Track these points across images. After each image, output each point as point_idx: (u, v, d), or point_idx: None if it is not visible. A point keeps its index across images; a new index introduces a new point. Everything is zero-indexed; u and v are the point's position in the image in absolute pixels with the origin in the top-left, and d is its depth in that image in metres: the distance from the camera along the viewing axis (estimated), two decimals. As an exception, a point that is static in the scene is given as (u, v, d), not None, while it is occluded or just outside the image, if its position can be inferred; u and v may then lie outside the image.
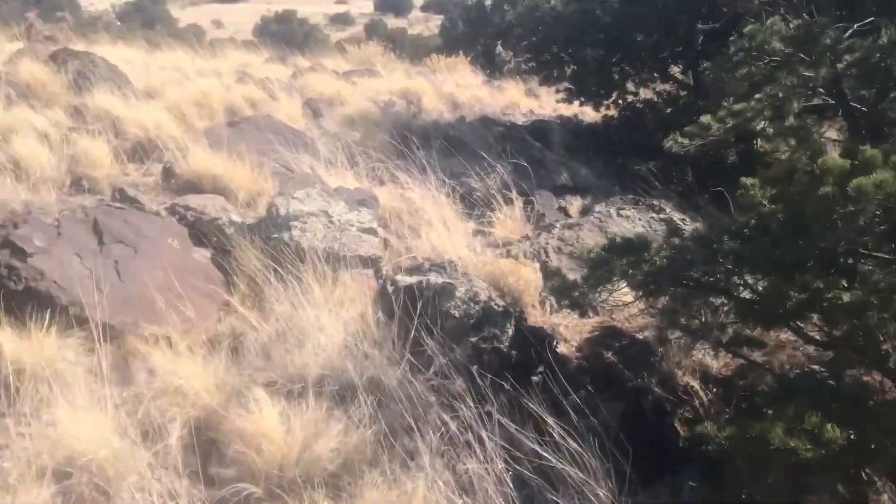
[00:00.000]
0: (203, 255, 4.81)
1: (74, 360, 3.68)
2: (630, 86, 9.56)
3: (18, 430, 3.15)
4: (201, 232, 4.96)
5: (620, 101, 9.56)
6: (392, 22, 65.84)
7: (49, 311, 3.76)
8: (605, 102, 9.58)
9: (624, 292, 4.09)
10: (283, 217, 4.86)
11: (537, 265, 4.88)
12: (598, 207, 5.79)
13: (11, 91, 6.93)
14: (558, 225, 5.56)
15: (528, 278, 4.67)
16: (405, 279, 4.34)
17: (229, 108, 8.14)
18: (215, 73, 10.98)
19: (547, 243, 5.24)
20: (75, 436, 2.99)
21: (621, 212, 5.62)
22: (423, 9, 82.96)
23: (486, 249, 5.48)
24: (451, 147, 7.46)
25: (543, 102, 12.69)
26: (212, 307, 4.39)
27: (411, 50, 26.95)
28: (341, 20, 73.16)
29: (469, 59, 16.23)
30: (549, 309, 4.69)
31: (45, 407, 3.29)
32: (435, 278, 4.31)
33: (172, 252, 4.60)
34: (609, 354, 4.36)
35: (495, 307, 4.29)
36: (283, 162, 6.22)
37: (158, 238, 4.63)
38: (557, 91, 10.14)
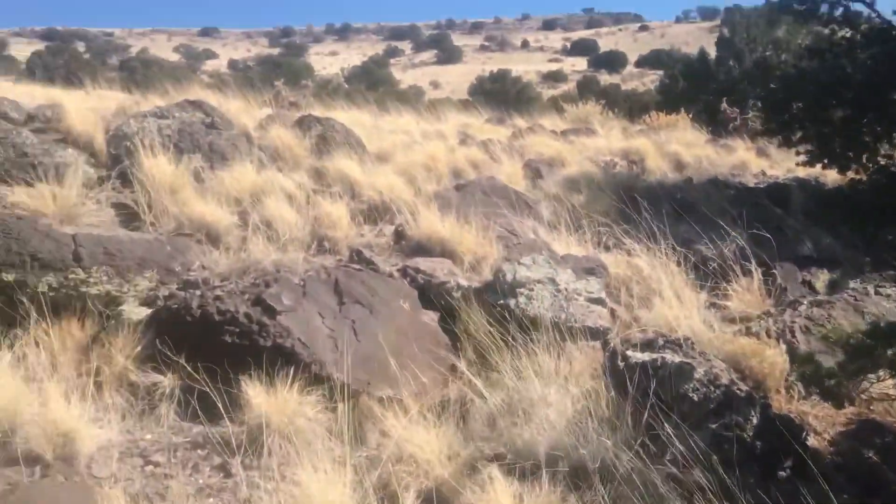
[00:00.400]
0: (431, 317, 4.89)
1: (313, 418, 3.82)
2: (883, 148, 8.69)
3: (266, 485, 3.30)
4: (430, 294, 5.06)
5: (871, 164, 8.72)
6: (605, 78, 66.00)
7: (293, 367, 3.96)
8: (853, 165, 8.77)
9: (888, 384, 3.64)
10: (509, 283, 4.84)
11: (782, 346, 4.49)
12: (851, 284, 5.24)
13: (263, 155, 7.59)
14: (805, 302, 5.09)
15: (772, 361, 4.30)
16: (637, 355, 4.13)
17: (454, 170, 8.40)
18: (439, 134, 11.44)
19: (793, 322, 4.80)
20: (318, 497, 3.07)
21: (880, 290, 5.06)
22: (638, 64, 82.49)
23: (721, 324, 5.13)
24: (679, 211, 7.16)
25: (775, 162, 11.96)
26: (440, 371, 4.43)
27: (626, 106, 26.71)
28: (554, 77, 74.51)
29: (690, 116, 15.74)
30: (795, 395, 4.28)
31: (287, 465, 3.43)
32: (671, 357, 4.06)
33: (404, 314, 4.72)
34: (870, 452, 3.88)
35: (738, 392, 3.95)
36: (508, 225, 6.26)
37: (391, 299, 4.78)
38: (797, 153, 9.45)
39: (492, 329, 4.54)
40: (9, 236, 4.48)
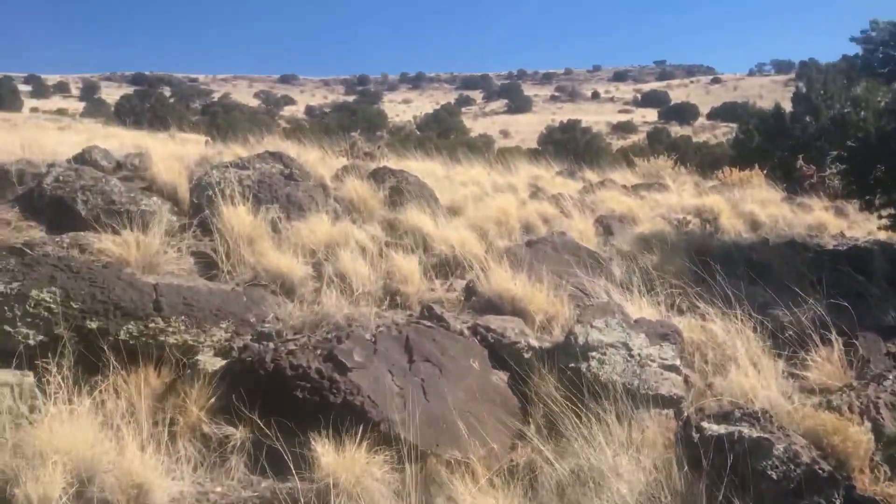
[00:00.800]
0: (501, 377, 4.86)
1: (381, 478, 3.80)
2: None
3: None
4: (500, 354, 5.03)
5: (958, 232, 8.40)
6: (676, 130, 65.44)
7: (362, 425, 3.96)
8: (941, 230, 8.45)
9: None
10: (581, 346, 4.78)
11: (866, 423, 4.29)
12: (942, 359, 5.00)
13: (338, 206, 7.75)
14: (890, 376, 4.86)
15: (856, 439, 4.10)
16: (713, 428, 4.00)
17: (525, 225, 8.40)
18: (510, 187, 11.50)
19: (877, 398, 4.59)
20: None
21: (974, 367, 4.80)
22: (710, 116, 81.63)
23: (800, 396, 4.94)
24: (754, 274, 6.98)
25: (854, 222, 11.60)
26: (509, 434, 4.37)
27: (696, 158, 26.38)
28: (624, 128, 74.26)
29: (765, 172, 15.44)
30: (881, 476, 4.07)
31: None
32: (748, 430, 3.92)
33: (473, 374, 4.70)
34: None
35: (819, 471, 3.78)
36: (579, 284, 6.20)
37: (461, 358, 4.76)
38: (879, 216, 9.14)
39: (562, 393, 4.48)
40: (94, 284, 4.65)
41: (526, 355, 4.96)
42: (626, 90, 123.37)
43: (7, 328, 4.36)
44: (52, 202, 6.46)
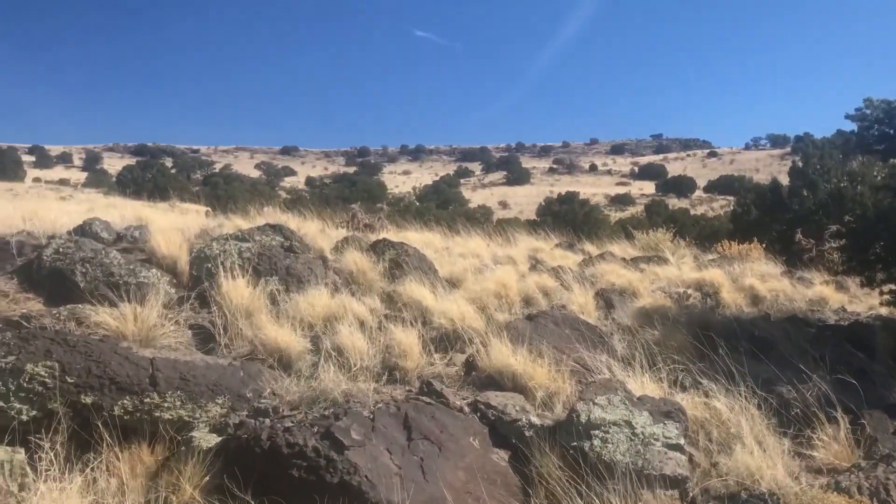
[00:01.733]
0: (502, 456, 4.75)
1: (377, 564, 3.68)
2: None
3: None
4: (501, 431, 4.94)
5: (960, 307, 8.37)
6: (673, 202, 66.13)
7: (358, 506, 3.86)
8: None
9: None
10: (584, 424, 4.69)
11: (876, 505, 4.18)
12: (951, 439, 4.90)
13: (337, 278, 7.73)
14: (899, 456, 4.76)
15: (867, 523, 3.99)
16: (720, 511, 3.90)
17: (525, 298, 8.36)
18: (509, 259, 11.50)
19: (887, 479, 4.49)
20: None
21: (983, 447, 4.70)
22: (706, 189, 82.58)
23: (807, 476, 4.83)
24: (757, 350, 6.92)
25: (854, 296, 11.56)
26: (509, 517, 4.25)
27: (694, 231, 26.55)
28: (621, 200, 75.07)
29: (764, 245, 15.51)
30: (894, 562, 3.95)
31: None
32: (756, 515, 3.82)
33: (473, 452, 4.59)
34: None
35: (831, 558, 3.67)
36: (580, 359, 6.13)
37: (461, 436, 4.67)
38: (881, 293, 9.11)
39: (564, 472, 4.38)
40: (90, 358, 4.59)
41: (527, 433, 4.86)
42: (624, 163, 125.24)
43: (1, 403, 4.28)
44: (51, 274, 6.44)
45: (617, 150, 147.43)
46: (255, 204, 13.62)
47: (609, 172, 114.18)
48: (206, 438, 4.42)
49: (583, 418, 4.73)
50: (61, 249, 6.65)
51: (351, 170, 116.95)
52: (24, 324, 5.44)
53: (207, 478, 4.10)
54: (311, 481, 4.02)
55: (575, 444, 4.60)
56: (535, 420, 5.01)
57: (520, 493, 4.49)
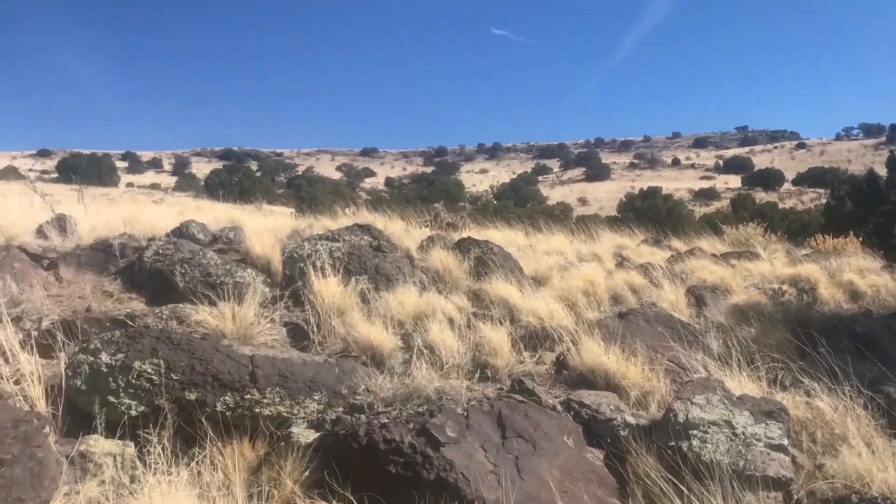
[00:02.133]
0: (596, 455, 4.69)
1: (477, 560, 3.68)
2: None
3: None
4: (594, 431, 4.87)
5: None
6: (761, 196, 64.01)
7: (455, 503, 3.87)
8: None
9: None
10: (681, 424, 4.58)
11: None
12: None
13: (424, 277, 7.78)
14: None
15: None
16: (830, 515, 3.75)
17: (613, 295, 8.24)
18: (594, 255, 11.35)
19: None
20: None
21: None
22: (795, 182, 79.63)
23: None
24: (860, 346, 6.62)
25: (963, 291, 10.92)
26: (607, 517, 4.19)
27: (784, 226, 25.63)
28: (706, 195, 73.11)
29: (860, 239, 14.83)
30: None
31: None
32: (870, 520, 3.65)
33: (568, 451, 4.55)
34: None
35: (953, 567, 3.48)
36: (674, 358, 6.00)
37: (555, 435, 4.63)
38: None
39: (662, 473, 4.28)
40: (193, 356, 4.75)
41: (622, 432, 4.78)
42: (708, 157, 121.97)
43: (112, 399, 4.48)
44: (152, 275, 6.70)
45: (700, 143, 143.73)
46: (338, 204, 13.85)
47: (692, 166, 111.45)
48: (304, 434, 4.51)
49: (680, 418, 4.62)
50: (161, 251, 6.92)
51: (429, 169, 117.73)
52: (130, 323, 5.67)
53: (307, 473, 4.18)
54: (408, 477, 4.05)
55: (672, 443, 4.50)
56: (630, 419, 4.92)
57: (617, 492, 4.42)
